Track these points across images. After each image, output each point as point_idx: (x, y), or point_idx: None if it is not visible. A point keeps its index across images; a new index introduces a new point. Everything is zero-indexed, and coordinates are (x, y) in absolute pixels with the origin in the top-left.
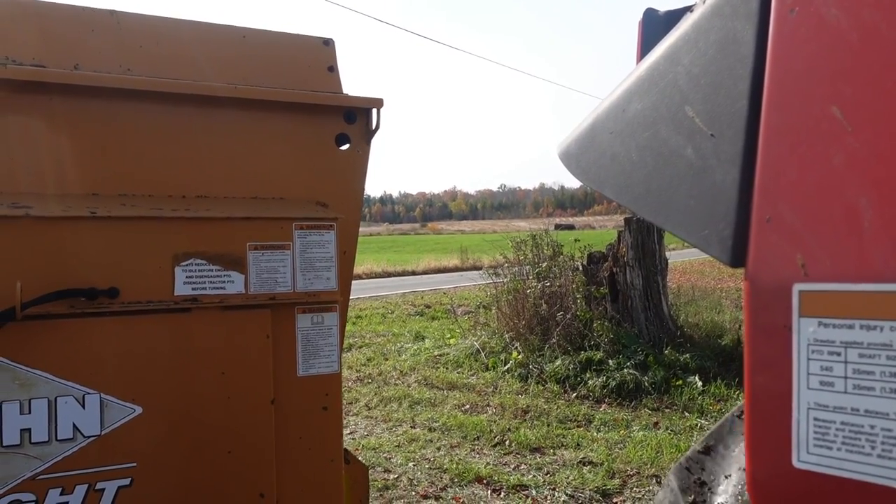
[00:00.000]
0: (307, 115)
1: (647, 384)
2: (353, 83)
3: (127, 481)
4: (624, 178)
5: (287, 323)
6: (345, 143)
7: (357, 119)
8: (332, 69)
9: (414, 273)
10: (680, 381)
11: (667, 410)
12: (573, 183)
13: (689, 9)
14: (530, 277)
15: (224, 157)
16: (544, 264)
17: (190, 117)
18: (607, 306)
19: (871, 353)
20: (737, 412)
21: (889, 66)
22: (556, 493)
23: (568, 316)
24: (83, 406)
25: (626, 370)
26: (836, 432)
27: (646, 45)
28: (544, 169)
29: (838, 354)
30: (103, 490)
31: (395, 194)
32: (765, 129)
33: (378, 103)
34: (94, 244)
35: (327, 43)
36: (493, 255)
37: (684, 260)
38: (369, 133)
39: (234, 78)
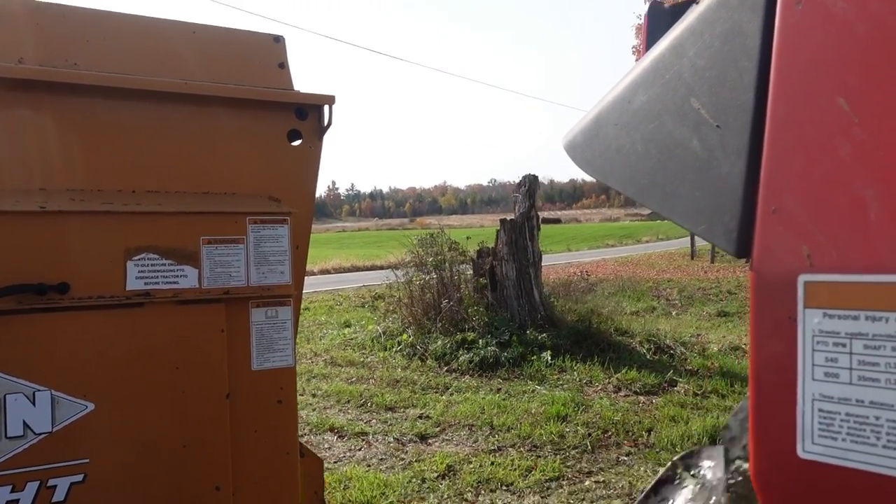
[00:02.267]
0: (258, 111)
1: (504, 359)
2: (335, 80)
3: (80, 477)
4: (629, 170)
5: (241, 317)
6: (297, 139)
7: (309, 115)
8: (283, 66)
9: (382, 268)
10: (534, 357)
11: (515, 380)
12: (561, 177)
13: (694, 1)
14: (425, 270)
15: (175, 153)
16: (430, 259)
17: (140, 113)
18: (488, 294)
19: (876, 344)
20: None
21: None
22: (388, 438)
23: (451, 303)
24: (33, 403)
25: (489, 347)
26: (840, 423)
27: (651, 38)
28: (534, 163)
29: (843, 346)
30: (55, 487)
31: (385, 190)
32: (771, 121)
33: (329, 100)
34: (44, 239)
35: (277, 40)
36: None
37: (642, 253)
38: (321, 129)
39: (184, 73)
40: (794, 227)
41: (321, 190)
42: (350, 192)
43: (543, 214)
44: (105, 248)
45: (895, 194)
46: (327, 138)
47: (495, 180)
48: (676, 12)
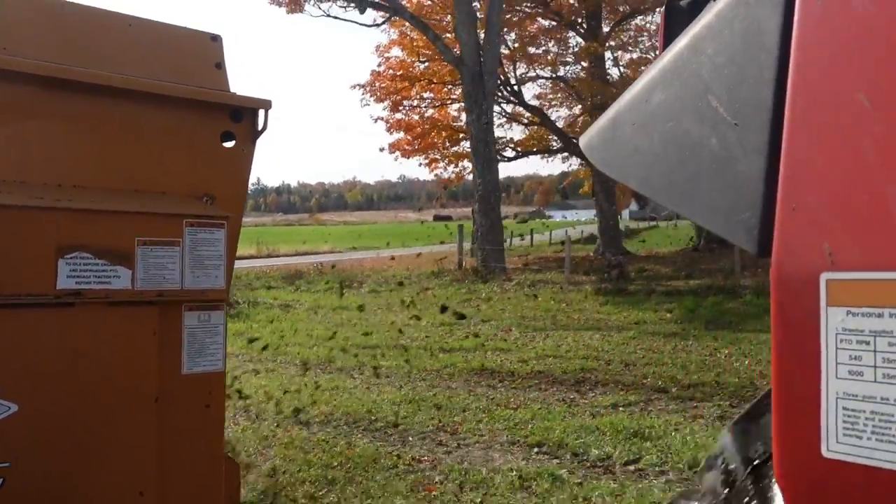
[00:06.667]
0: (192, 110)
1: None
2: (249, 75)
3: None
4: (647, 170)
5: (173, 320)
6: (229, 141)
7: (244, 118)
8: (220, 66)
9: None
10: None
11: None
12: (468, 175)
13: None
14: None
15: (102, 147)
16: None
17: (69, 104)
18: None
19: None
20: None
21: None
22: None
23: None
24: None
25: None
26: (865, 422)
27: (668, 36)
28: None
29: (867, 343)
30: None
31: (293, 184)
32: (790, 118)
33: (266, 104)
34: None
35: (215, 39)
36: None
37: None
38: (255, 133)
39: (117, 66)
40: (814, 225)
41: None
42: (256, 187)
43: (434, 212)
44: (36, 245)
45: None
46: None
47: (404, 176)
48: (693, 10)
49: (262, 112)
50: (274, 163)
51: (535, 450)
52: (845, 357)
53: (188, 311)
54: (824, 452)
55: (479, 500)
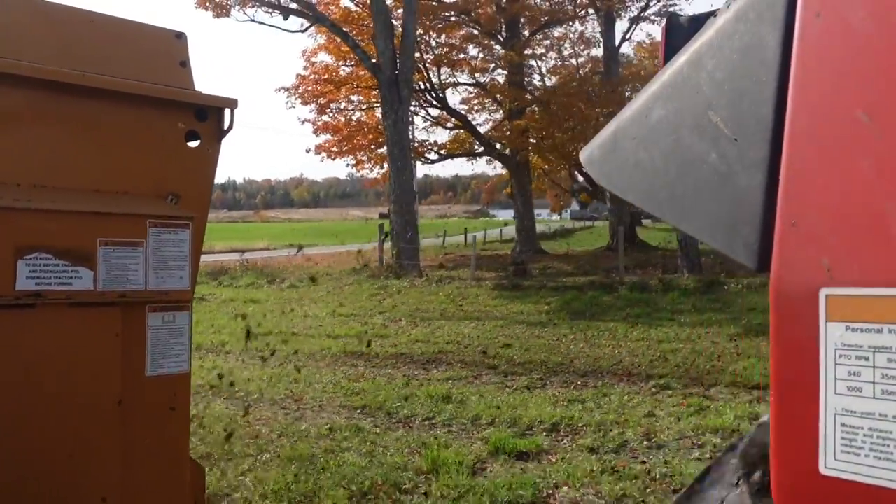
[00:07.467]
0: (156, 108)
1: None
2: (205, 70)
3: None
4: (647, 185)
5: (137, 321)
6: (194, 140)
7: (209, 117)
8: (185, 64)
9: None
10: None
11: None
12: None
13: (713, 13)
14: None
15: (63, 146)
16: None
17: (28, 101)
18: None
19: None
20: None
21: None
22: None
23: None
24: None
25: None
26: (863, 438)
27: (669, 51)
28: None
29: (866, 359)
30: None
31: (239, 181)
32: (790, 134)
33: (232, 104)
34: None
35: (180, 37)
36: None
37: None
38: (221, 132)
39: (79, 63)
40: (813, 240)
41: None
42: None
43: (381, 209)
44: None
45: None
46: None
47: (353, 174)
48: (694, 25)
49: (227, 111)
50: (221, 158)
51: (358, 411)
52: (844, 373)
53: (152, 312)
54: (822, 469)
55: (289, 444)
